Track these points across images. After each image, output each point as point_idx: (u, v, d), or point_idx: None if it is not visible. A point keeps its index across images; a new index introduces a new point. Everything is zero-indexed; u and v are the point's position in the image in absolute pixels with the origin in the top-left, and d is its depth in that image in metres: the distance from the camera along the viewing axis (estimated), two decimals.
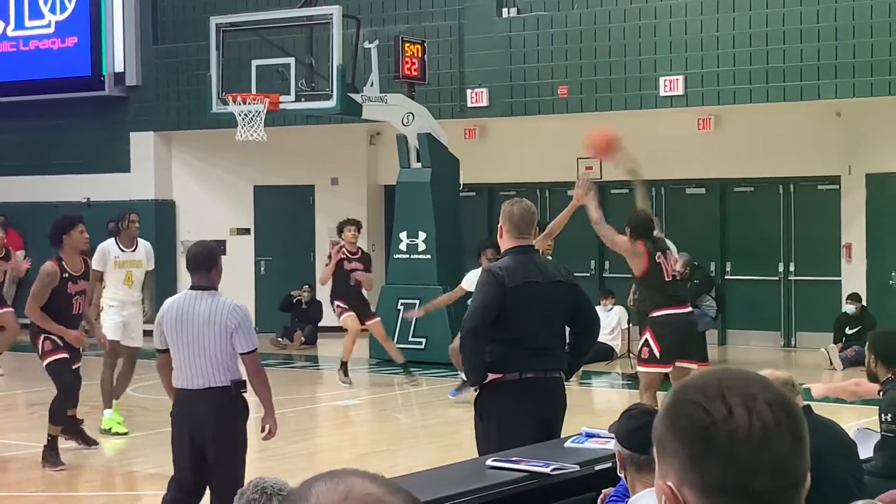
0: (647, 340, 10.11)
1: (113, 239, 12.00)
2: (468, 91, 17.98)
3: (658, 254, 10.31)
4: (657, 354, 10.01)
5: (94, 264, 11.31)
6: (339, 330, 19.27)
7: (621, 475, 4.61)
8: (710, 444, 1.73)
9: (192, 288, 6.98)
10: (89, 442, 10.94)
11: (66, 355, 10.05)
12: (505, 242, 6.70)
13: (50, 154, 21.81)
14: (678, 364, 9.99)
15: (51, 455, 10.00)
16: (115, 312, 11.70)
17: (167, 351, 6.95)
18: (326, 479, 1.62)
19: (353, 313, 14.70)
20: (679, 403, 1.79)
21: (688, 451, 1.75)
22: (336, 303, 14.85)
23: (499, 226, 6.77)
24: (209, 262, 6.96)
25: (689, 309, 10.61)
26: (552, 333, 6.65)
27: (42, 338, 10.03)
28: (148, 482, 10.19)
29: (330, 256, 15.08)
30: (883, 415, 6.87)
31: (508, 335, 6.50)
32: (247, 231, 21.28)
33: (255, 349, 6.98)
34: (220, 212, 21.16)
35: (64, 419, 10.27)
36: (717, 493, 1.73)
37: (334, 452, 11.75)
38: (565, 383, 6.83)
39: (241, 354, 6.90)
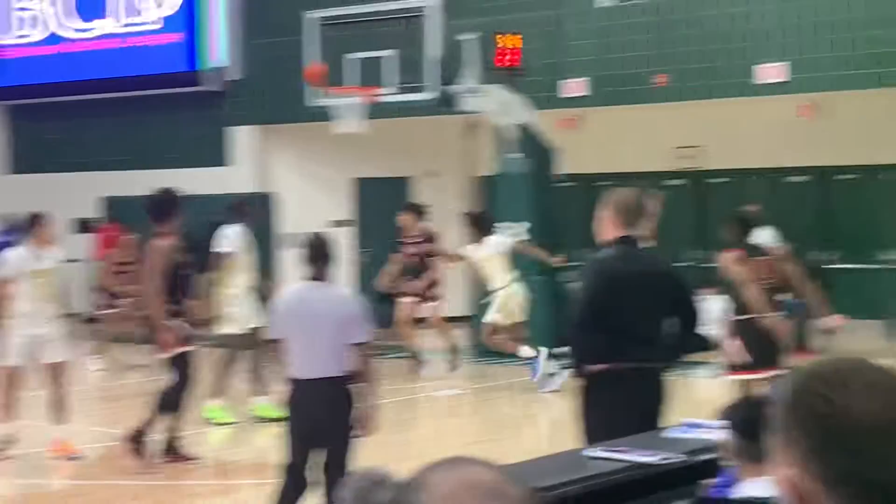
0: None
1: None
2: (565, 81, 17.90)
3: None
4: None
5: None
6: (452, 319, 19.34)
7: (730, 464, 4.56)
8: (833, 434, 1.69)
9: (308, 279, 7.10)
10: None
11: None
12: (611, 232, 6.64)
13: (151, 149, 22.14)
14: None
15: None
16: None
17: (281, 340, 7.06)
18: (443, 467, 1.62)
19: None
20: (798, 392, 1.76)
21: (809, 441, 1.71)
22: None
23: (603, 215, 6.70)
24: (325, 254, 7.12)
25: None
26: (656, 324, 6.61)
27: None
28: (254, 471, 10.32)
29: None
30: None
31: (613, 326, 6.48)
32: (347, 224, 21.41)
33: (369, 341, 7.09)
34: (319, 204, 21.31)
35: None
36: (842, 484, 1.68)
37: (436, 442, 11.81)
38: (666, 374, 6.79)
39: (354, 345, 6.98)
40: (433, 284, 15.30)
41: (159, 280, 9.75)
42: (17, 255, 10.36)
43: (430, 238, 15.23)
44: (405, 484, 1.66)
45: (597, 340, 6.52)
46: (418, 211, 15.06)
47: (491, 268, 14.18)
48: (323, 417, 6.97)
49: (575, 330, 6.64)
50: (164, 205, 10.02)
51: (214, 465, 10.68)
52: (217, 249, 11.92)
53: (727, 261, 10.08)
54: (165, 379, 10.04)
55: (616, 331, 6.48)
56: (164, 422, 9.98)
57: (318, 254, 7.12)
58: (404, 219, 14.80)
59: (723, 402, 5.05)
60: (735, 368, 10.00)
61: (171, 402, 9.92)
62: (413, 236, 14.92)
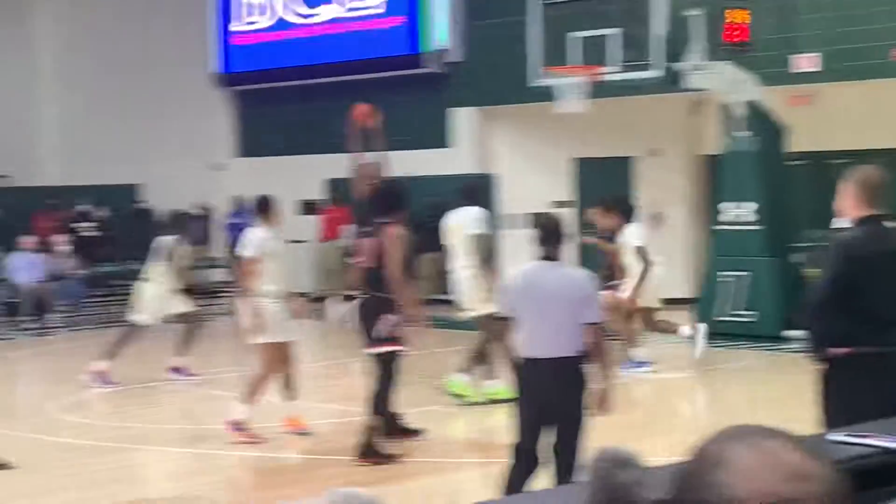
0: None
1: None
2: (796, 56, 17.38)
3: None
4: None
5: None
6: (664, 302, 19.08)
7: None
8: None
9: (540, 258, 7.08)
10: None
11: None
12: (855, 211, 6.39)
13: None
14: None
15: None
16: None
17: (513, 319, 7.04)
18: (741, 441, 1.52)
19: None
20: None
21: None
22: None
23: (847, 194, 6.42)
24: (557, 234, 7.09)
25: None
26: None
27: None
28: (480, 450, 10.37)
29: None
30: None
31: (860, 307, 6.23)
32: (566, 204, 21.32)
33: (602, 321, 7.04)
34: (540, 185, 21.27)
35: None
36: None
37: (658, 425, 11.65)
38: None
39: (587, 325, 6.93)
40: (618, 271, 15.03)
41: (404, 267, 9.74)
42: (260, 235, 10.59)
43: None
44: (697, 456, 1.54)
45: (840, 323, 6.28)
46: (608, 207, 14.66)
47: (628, 254, 13.91)
48: (555, 397, 6.93)
49: (816, 312, 6.39)
50: (391, 198, 10.01)
51: (443, 442, 10.75)
52: (472, 231, 11.86)
53: None
54: (376, 378, 9.69)
55: (860, 313, 6.24)
56: (374, 421, 9.67)
57: (551, 234, 7.09)
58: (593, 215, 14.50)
59: None
60: None
61: (382, 401, 9.67)
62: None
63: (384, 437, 9.79)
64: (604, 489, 3.95)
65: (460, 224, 11.98)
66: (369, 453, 9.51)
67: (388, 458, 9.56)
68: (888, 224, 6.46)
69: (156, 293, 13.98)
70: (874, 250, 6.25)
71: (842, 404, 6.34)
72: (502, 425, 10.24)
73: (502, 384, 11.47)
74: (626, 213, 14.11)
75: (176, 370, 13.96)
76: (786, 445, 1.51)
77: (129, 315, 14.16)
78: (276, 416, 10.61)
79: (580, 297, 6.92)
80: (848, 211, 6.45)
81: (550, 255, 7.05)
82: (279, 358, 10.54)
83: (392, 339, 9.56)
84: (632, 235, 13.86)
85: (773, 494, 1.46)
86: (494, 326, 11.60)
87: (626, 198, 15.19)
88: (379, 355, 9.57)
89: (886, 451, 5.48)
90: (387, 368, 9.60)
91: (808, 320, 6.58)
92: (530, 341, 6.97)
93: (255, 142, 24.59)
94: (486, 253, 12.06)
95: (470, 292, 11.78)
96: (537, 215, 7.57)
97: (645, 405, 13.17)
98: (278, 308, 10.48)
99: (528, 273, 7.10)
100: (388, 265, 9.57)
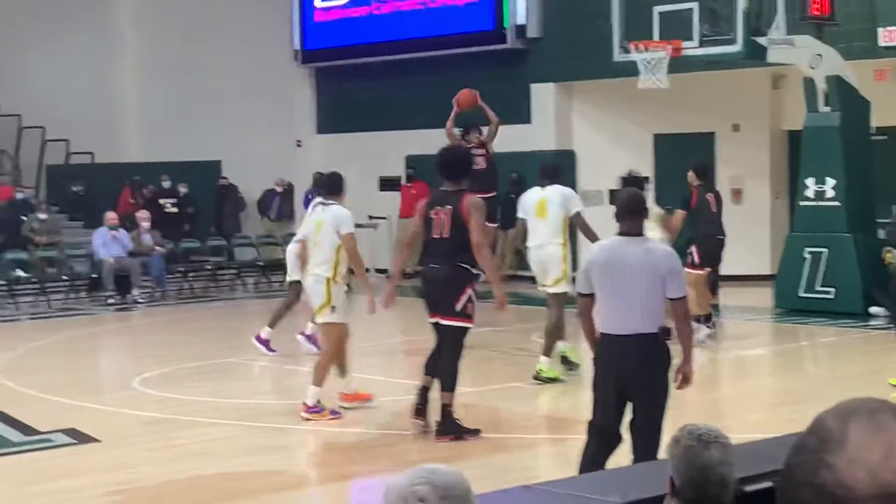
0: None
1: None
2: (881, 29, 17.09)
3: None
4: None
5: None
6: (744, 279, 18.96)
7: None
8: None
9: (620, 234, 7.03)
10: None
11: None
12: None
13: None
14: None
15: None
16: None
17: (591, 296, 7.01)
18: (866, 424, 1.41)
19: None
20: None
21: None
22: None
23: None
24: (638, 209, 7.04)
25: None
26: None
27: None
28: (561, 425, 10.37)
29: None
30: None
31: None
32: (647, 179, 21.16)
33: (685, 296, 6.98)
34: (620, 161, 21.09)
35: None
36: None
37: (741, 403, 11.57)
38: None
39: (672, 300, 6.89)
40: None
41: (487, 237, 9.67)
42: (347, 212, 10.61)
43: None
44: (817, 432, 1.44)
45: None
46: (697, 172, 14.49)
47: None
48: (635, 374, 6.88)
49: None
50: (463, 164, 9.82)
51: (524, 419, 10.76)
52: (577, 209, 11.85)
53: None
54: (447, 352, 9.50)
55: None
56: (447, 398, 9.46)
57: (632, 208, 7.03)
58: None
59: None
60: None
61: (454, 376, 9.47)
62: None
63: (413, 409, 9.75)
64: (689, 468, 3.93)
65: (547, 199, 11.90)
66: (449, 429, 9.47)
67: (469, 433, 9.52)
68: None
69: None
70: None
71: None
72: (584, 403, 10.25)
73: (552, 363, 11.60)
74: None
75: (263, 342, 13.91)
76: None
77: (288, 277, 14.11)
78: (334, 393, 10.67)
79: (662, 271, 6.87)
80: None
81: (631, 230, 7.02)
82: (345, 337, 10.62)
83: (469, 315, 9.39)
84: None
85: (894, 485, 1.37)
86: (564, 304, 11.62)
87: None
88: (453, 329, 9.40)
89: None
90: (459, 343, 9.47)
91: (892, 297, 6.52)
92: (610, 317, 6.93)
93: (336, 118, 24.68)
94: (579, 229, 11.99)
95: (553, 269, 11.75)
96: (619, 187, 7.53)
97: (729, 382, 13.08)
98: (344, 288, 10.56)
99: (609, 248, 7.05)
100: (471, 235, 9.31)
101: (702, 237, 14.03)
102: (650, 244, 7.10)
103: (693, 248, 13.93)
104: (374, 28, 23.21)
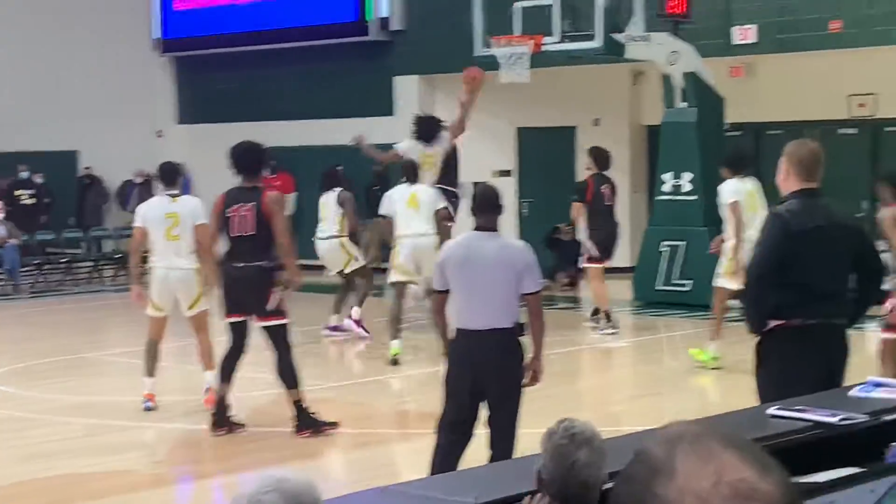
0: None
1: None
2: (735, 28, 17.47)
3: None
4: None
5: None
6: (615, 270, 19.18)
7: None
8: None
9: (476, 229, 7.01)
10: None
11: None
12: (791, 185, 6.41)
13: (317, 99, 22.35)
14: None
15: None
16: None
17: (446, 292, 7.01)
18: (692, 450, 1.41)
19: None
20: None
21: None
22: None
23: (783, 168, 6.46)
24: (495, 204, 7.03)
25: None
26: (838, 279, 6.41)
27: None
28: (419, 420, 10.40)
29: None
30: None
31: (793, 280, 6.29)
32: (509, 173, 21.35)
33: (540, 290, 7.01)
34: (483, 154, 21.25)
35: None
36: None
37: (601, 394, 11.73)
38: (848, 331, 6.58)
39: (526, 295, 6.91)
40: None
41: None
42: (155, 202, 10.43)
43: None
44: (645, 460, 1.44)
45: (774, 295, 6.35)
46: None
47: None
48: (490, 370, 6.86)
49: (753, 285, 6.46)
50: (254, 157, 9.67)
51: (380, 414, 10.77)
52: (443, 204, 12.25)
53: (886, 220, 9.37)
54: (276, 351, 9.51)
55: (793, 286, 6.29)
56: (294, 394, 9.48)
57: (487, 203, 7.04)
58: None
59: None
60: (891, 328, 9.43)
61: (291, 370, 9.46)
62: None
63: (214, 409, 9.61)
64: (557, 466, 3.93)
65: (417, 192, 12.48)
66: (305, 423, 9.42)
67: (327, 426, 9.48)
68: (822, 198, 6.50)
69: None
70: (809, 224, 6.29)
71: (774, 376, 6.42)
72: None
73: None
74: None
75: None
76: (740, 458, 1.41)
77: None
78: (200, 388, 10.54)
79: (518, 266, 6.87)
80: (784, 185, 6.49)
81: (486, 225, 7.00)
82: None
83: (283, 311, 9.34)
84: None
85: None
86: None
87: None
88: (273, 328, 9.35)
89: (819, 424, 5.56)
90: (285, 339, 9.41)
91: (746, 292, 6.64)
92: (466, 313, 6.93)
93: (197, 108, 24.39)
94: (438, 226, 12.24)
95: (430, 261, 11.86)
96: (474, 184, 7.56)
97: (590, 374, 13.26)
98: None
99: (464, 244, 7.04)
100: (275, 232, 9.23)
101: (597, 229, 14.02)
102: (506, 240, 7.13)
103: (590, 241, 13.97)
104: (236, 17, 22.96)
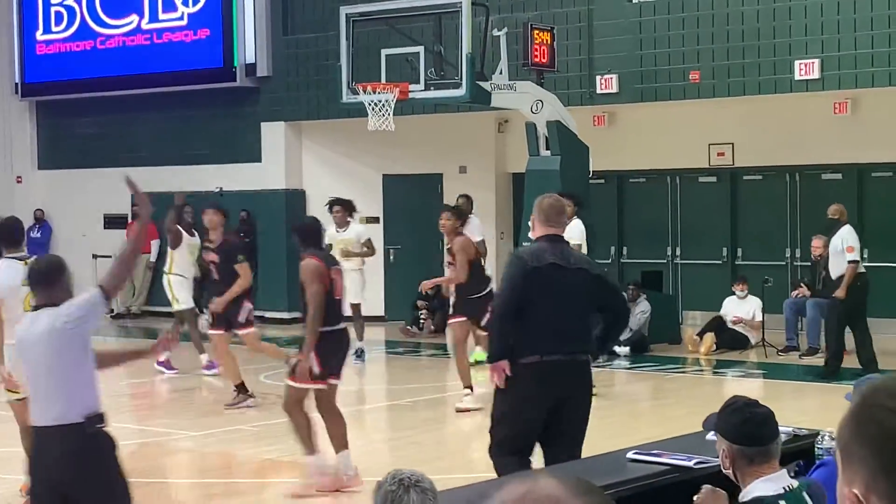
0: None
1: None
2: (598, 77, 17.81)
3: None
4: None
5: None
6: None
7: (728, 471, 4.55)
8: None
9: (33, 308, 5.95)
10: None
11: None
12: (537, 232, 7.15)
13: (183, 145, 22.16)
14: None
15: None
16: None
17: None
18: (518, 481, 1.53)
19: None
20: (868, 408, 1.66)
21: (878, 459, 1.62)
22: None
23: (531, 217, 7.27)
24: (53, 277, 5.92)
25: None
26: (573, 317, 6.96)
27: None
28: (282, 469, 10.30)
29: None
30: None
31: (531, 317, 6.85)
32: (376, 220, 21.38)
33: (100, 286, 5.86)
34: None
35: None
36: None
37: (465, 442, 11.74)
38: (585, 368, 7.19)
39: (100, 287, 5.83)
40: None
41: None
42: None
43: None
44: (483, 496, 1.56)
45: (516, 332, 6.91)
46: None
47: None
48: (66, 473, 5.74)
49: (496, 321, 7.05)
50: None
51: (237, 462, 10.65)
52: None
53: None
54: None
55: (533, 322, 6.86)
56: None
57: (45, 277, 5.94)
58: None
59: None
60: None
61: None
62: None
63: None
64: None
65: None
66: None
67: None
68: (563, 243, 7.21)
69: None
70: (543, 262, 6.91)
71: (506, 406, 7.04)
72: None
73: None
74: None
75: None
76: (553, 481, 1.50)
77: None
78: None
79: (72, 321, 5.73)
80: (533, 233, 7.33)
81: (44, 302, 5.83)
82: None
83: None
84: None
85: None
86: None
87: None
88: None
89: (676, 468, 5.66)
90: None
91: (492, 328, 7.23)
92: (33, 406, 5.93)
93: (58, 154, 23.98)
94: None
95: None
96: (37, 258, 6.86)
97: (454, 420, 13.25)
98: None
99: (21, 329, 6.02)
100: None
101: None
102: (59, 309, 5.78)
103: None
104: (98, 62, 22.66)
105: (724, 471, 4.61)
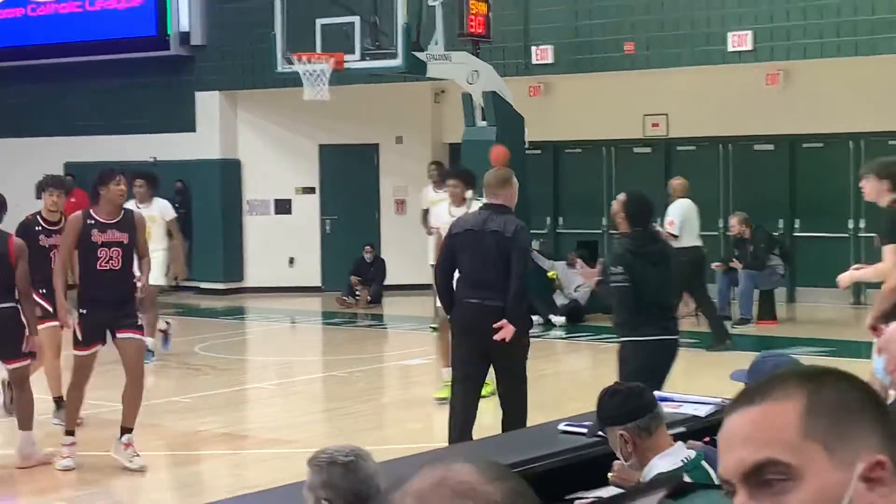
0: None
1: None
2: (533, 48, 17.85)
3: None
4: None
5: None
6: (407, 288, 19.36)
7: (630, 462, 4.67)
8: None
9: None
10: None
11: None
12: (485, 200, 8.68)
13: (117, 114, 21.96)
14: None
15: None
16: None
17: None
18: (430, 465, 1.55)
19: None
20: (835, 384, 1.68)
21: (888, 426, 1.64)
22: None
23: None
24: None
25: None
26: (487, 270, 8.26)
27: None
28: (215, 442, 10.31)
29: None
30: None
31: (459, 271, 8.47)
32: (312, 190, 21.34)
33: None
34: (285, 171, 21.23)
35: None
36: None
37: (402, 411, 11.79)
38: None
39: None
40: None
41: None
42: None
43: None
44: (396, 478, 1.56)
45: (448, 282, 8.51)
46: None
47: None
48: None
49: (436, 275, 8.74)
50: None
51: (175, 434, 10.64)
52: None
53: None
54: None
55: (462, 274, 8.43)
56: None
57: None
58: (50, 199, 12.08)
59: None
60: None
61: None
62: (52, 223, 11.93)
63: None
64: (345, 479, 3.98)
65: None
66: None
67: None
68: (492, 211, 8.43)
69: None
70: (461, 228, 8.41)
71: (452, 339, 8.89)
72: (249, 416, 10.18)
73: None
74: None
75: None
76: (467, 466, 1.52)
77: None
78: None
79: None
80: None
81: None
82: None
83: (34, 352, 9.32)
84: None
85: None
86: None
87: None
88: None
89: (605, 440, 5.73)
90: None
91: (435, 282, 8.79)
92: None
93: None
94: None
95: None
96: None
97: (392, 391, 13.30)
98: None
99: None
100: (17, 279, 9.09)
101: None
102: None
103: None
104: (30, 30, 22.37)
105: (626, 463, 4.70)
